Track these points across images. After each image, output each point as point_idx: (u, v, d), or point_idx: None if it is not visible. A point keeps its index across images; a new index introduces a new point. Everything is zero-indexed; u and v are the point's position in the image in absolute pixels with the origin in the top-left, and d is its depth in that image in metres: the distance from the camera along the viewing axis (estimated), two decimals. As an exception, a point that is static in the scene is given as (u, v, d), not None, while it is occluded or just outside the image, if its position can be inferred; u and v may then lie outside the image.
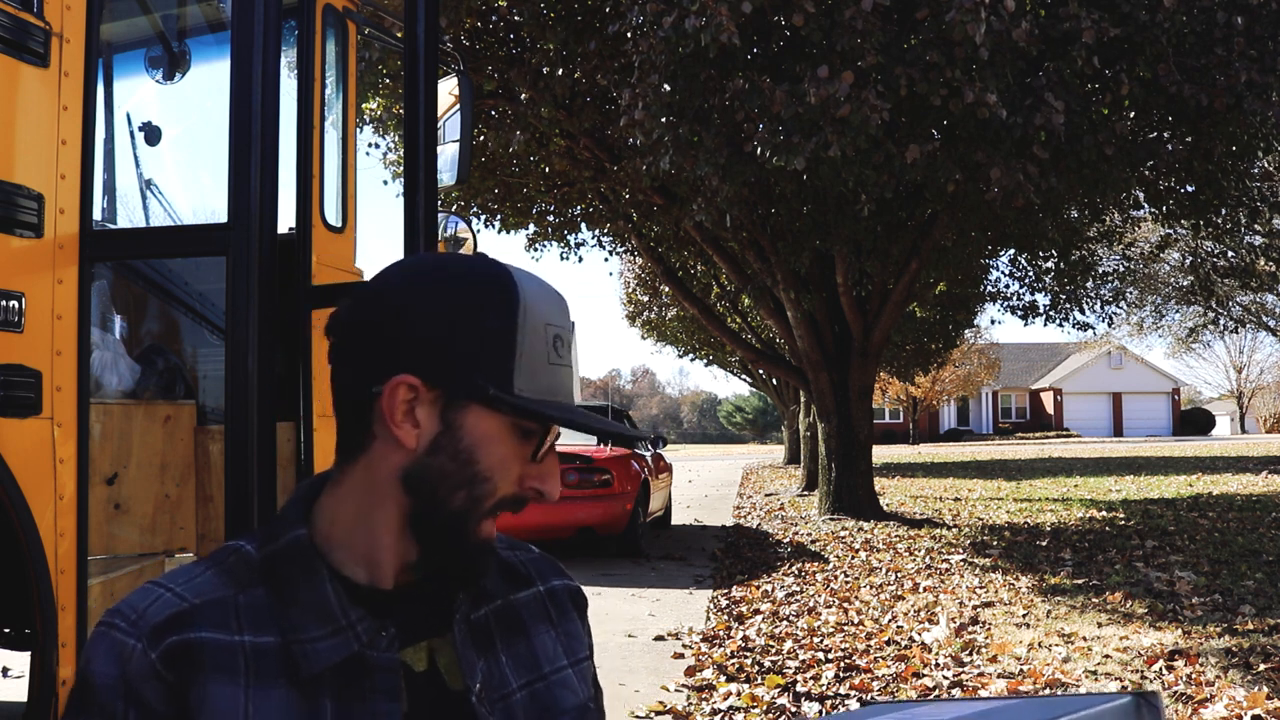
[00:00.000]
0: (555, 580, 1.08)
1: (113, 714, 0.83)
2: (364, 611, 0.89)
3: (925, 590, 6.61)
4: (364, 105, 10.36)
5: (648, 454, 10.26)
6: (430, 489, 0.89)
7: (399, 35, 3.00)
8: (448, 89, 3.19)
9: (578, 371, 0.91)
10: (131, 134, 3.51)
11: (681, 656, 5.03)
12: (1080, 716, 0.97)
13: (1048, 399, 53.78)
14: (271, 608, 0.88)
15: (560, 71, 8.87)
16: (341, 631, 0.87)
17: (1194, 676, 4.22)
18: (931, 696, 4.18)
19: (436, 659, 0.94)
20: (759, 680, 4.46)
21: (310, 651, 0.86)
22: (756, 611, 6.11)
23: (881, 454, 30.30)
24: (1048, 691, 4.11)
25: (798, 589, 6.87)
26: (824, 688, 4.30)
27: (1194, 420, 53.90)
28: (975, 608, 5.94)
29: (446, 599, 0.96)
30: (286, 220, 2.63)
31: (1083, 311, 15.05)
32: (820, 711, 3.95)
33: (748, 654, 4.97)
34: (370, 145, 12.12)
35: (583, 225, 13.42)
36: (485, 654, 0.96)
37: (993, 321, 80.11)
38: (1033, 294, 15.31)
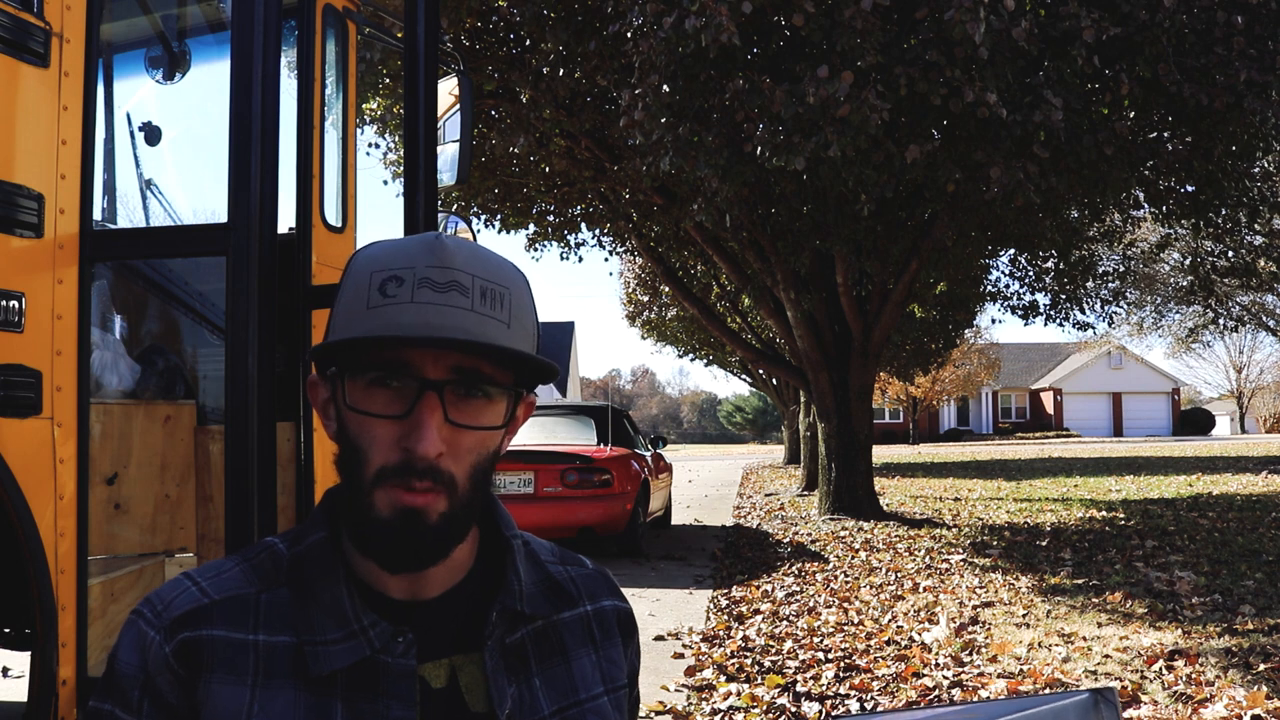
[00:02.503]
0: (605, 600, 1.04)
1: (129, 701, 0.86)
2: (378, 617, 0.89)
3: (925, 590, 6.61)
4: (364, 105, 10.36)
5: (647, 454, 10.27)
6: (341, 473, 0.90)
7: (399, 35, 3.00)
8: (448, 89, 3.19)
9: (477, 307, 0.85)
10: (131, 134, 3.52)
11: (681, 656, 5.03)
12: (1040, 712, 0.97)
13: (1048, 399, 53.78)
14: (292, 608, 0.89)
15: (561, 72, 8.87)
16: (354, 635, 0.87)
17: (1194, 676, 4.21)
18: (930, 697, 4.18)
19: (458, 676, 0.91)
20: (759, 680, 4.46)
21: (322, 654, 0.86)
22: (756, 611, 6.10)
23: (881, 454, 30.31)
24: (1047, 691, 4.11)
25: (798, 589, 6.86)
26: (824, 688, 4.30)
27: (1194, 420, 53.88)
28: (975, 608, 5.94)
29: (478, 618, 0.93)
30: (286, 220, 2.63)
31: (1083, 311, 15.07)
32: (820, 712, 3.95)
33: (748, 654, 4.97)
34: (370, 145, 12.14)
35: (583, 225, 13.42)
36: (518, 678, 0.94)
37: (993, 321, 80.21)
38: (1033, 294, 15.33)
